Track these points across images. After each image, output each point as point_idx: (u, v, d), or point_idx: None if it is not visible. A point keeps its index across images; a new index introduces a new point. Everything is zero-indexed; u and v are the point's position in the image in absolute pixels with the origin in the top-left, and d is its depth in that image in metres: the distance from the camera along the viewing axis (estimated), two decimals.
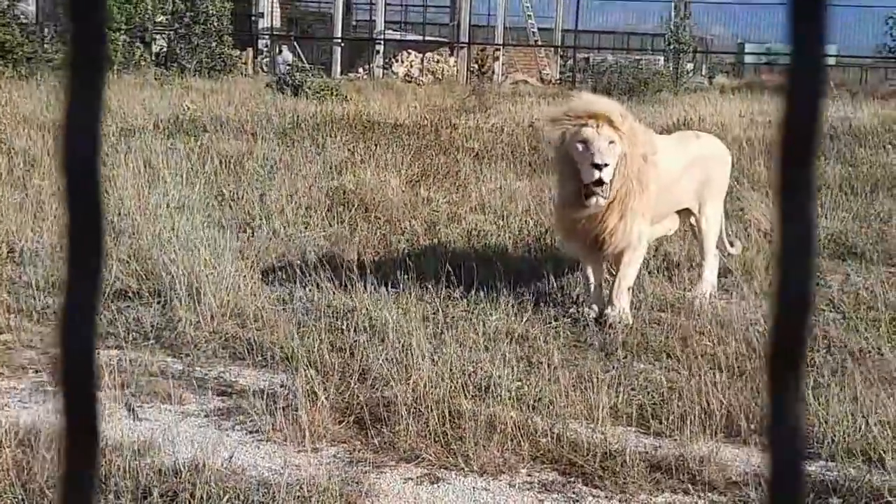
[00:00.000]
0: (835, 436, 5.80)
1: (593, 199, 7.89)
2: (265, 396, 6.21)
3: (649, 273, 9.24)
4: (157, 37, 40.38)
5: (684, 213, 9.34)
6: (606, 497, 5.34)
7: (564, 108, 8.34)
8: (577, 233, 8.24)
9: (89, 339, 0.81)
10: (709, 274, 9.15)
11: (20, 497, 4.81)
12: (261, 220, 11.12)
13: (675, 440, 5.88)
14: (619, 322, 8.02)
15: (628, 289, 8.36)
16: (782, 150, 0.78)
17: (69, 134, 0.80)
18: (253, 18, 48.94)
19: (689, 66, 40.97)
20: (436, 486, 5.43)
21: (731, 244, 9.81)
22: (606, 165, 7.73)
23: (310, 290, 8.49)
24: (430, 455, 5.67)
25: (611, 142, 7.83)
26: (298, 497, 4.99)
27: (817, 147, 0.78)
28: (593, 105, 8.13)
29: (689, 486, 5.43)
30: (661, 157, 8.44)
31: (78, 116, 0.80)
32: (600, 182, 7.78)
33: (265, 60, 46.41)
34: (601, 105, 8.16)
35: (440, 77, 44.26)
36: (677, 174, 8.84)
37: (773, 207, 0.79)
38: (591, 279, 8.52)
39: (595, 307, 8.31)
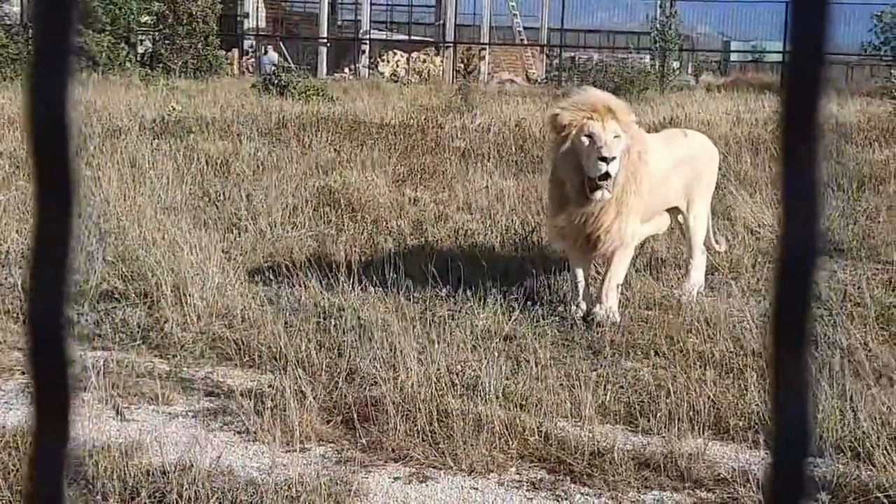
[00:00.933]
0: (822, 432, 5.81)
1: (598, 193, 7.91)
2: (253, 397, 6.20)
3: (636, 271, 9.23)
4: (143, 38, 40.32)
5: (672, 212, 9.31)
6: (595, 495, 5.34)
7: (569, 101, 8.37)
8: (570, 231, 8.21)
9: (61, 293, 0.80)
10: (696, 272, 9.12)
11: (7, 499, 4.80)
12: (247, 220, 11.10)
13: (664, 438, 5.87)
14: (607, 320, 7.99)
15: (617, 287, 8.34)
16: (786, 117, 0.78)
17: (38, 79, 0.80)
18: (238, 19, 48.89)
19: (675, 64, 41.02)
20: (424, 485, 5.43)
21: (718, 242, 9.77)
22: (614, 159, 7.75)
23: (297, 290, 8.47)
24: (419, 454, 5.66)
25: (616, 136, 7.84)
26: (287, 497, 4.98)
27: (822, 110, 0.78)
28: (598, 99, 8.13)
29: (678, 483, 5.43)
30: (652, 155, 8.41)
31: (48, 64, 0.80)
32: (607, 175, 7.78)
33: (251, 61, 46.36)
34: (606, 99, 8.16)
35: (426, 77, 44.25)
36: (666, 173, 8.81)
37: (778, 182, 0.78)
38: (580, 278, 8.46)
39: (583, 305, 8.28)
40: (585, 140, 7.84)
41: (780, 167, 0.79)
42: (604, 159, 7.72)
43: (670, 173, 8.90)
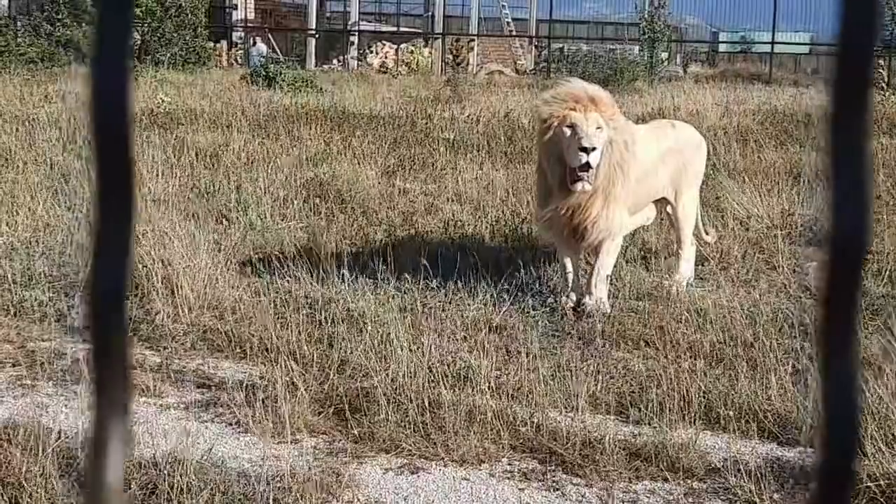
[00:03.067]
0: (814, 422, 5.82)
1: (579, 185, 7.89)
2: (244, 388, 6.20)
3: (626, 262, 9.24)
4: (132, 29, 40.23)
5: (660, 203, 9.29)
6: (586, 485, 5.35)
7: (553, 92, 8.32)
8: (558, 221, 8.20)
9: (121, 281, 0.81)
10: (685, 263, 9.14)
11: None
12: (237, 212, 11.09)
13: (655, 428, 5.89)
14: (598, 311, 8.00)
15: (606, 277, 8.34)
16: (837, 81, 0.78)
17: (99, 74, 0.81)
18: (227, 10, 48.79)
19: (664, 55, 41.00)
20: (416, 476, 5.44)
21: (707, 233, 9.79)
22: (594, 149, 7.73)
23: (287, 282, 8.47)
24: (410, 445, 5.67)
25: (598, 127, 7.83)
26: (279, 488, 4.98)
27: (872, 74, 0.78)
28: (582, 90, 8.07)
29: (669, 473, 5.44)
30: (639, 146, 8.41)
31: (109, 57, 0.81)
32: (587, 166, 7.77)
33: (239, 53, 46.28)
34: (590, 90, 8.10)
35: (415, 68, 44.23)
36: (654, 164, 8.82)
37: (826, 145, 0.78)
38: (569, 269, 8.46)
39: (573, 296, 8.28)
40: (567, 131, 7.84)
41: (831, 159, 0.79)
42: (584, 149, 7.73)
43: (658, 164, 8.89)
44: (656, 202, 9.29)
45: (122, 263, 0.82)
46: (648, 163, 8.68)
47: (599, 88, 8.30)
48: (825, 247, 0.80)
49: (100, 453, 0.82)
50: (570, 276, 8.45)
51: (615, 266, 8.63)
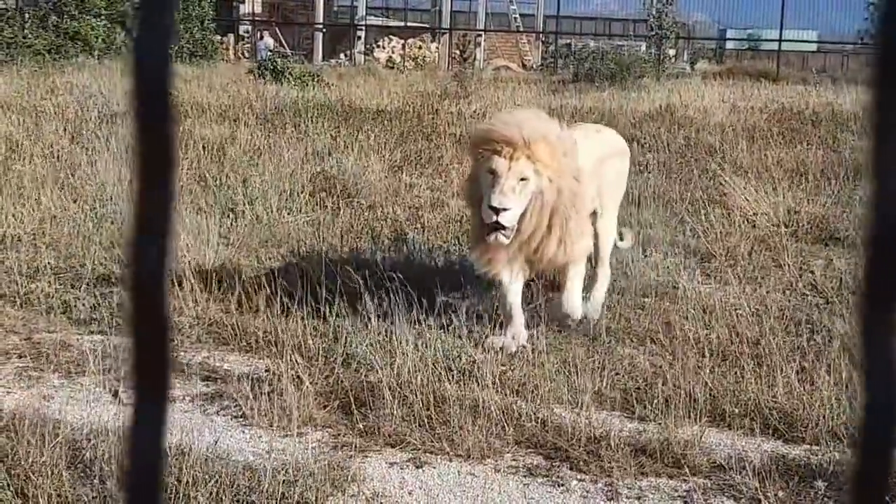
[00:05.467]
0: (819, 420, 5.82)
1: (493, 237, 7.01)
2: (250, 381, 6.20)
3: (632, 260, 9.22)
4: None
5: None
6: (591, 481, 5.35)
7: (485, 128, 7.39)
8: (502, 259, 7.34)
9: (162, 260, 0.81)
10: (602, 285, 8.27)
11: (5, 481, 4.80)
12: (244, 205, 11.09)
13: (660, 424, 5.88)
14: (575, 317, 7.55)
15: (579, 293, 7.68)
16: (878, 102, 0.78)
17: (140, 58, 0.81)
18: (234, 4, 48.78)
19: (671, 51, 40.96)
20: (421, 470, 5.44)
21: (622, 237, 8.87)
22: (506, 210, 6.88)
23: (293, 276, 8.47)
24: (415, 439, 5.68)
25: (523, 178, 6.94)
26: (284, 481, 4.98)
27: None
28: (516, 129, 7.01)
29: (674, 470, 5.44)
30: (581, 160, 7.55)
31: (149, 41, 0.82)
32: (500, 226, 6.93)
33: (246, 46, 46.29)
34: (526, 130, 7.01)
35: (422, 63, 44.22)
36: (589, 175, 7.80)
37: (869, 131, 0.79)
38: (514, 303, 7.45)
39: (522, 336, 7.30)
40: (488, 177, 7.00)
41: (874, 154, 0.79)
42: (493, 209, 6.89)
43: (591, 174, 7.87)
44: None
45: (163, 243, 0.82)
46: (586, 174, 7.67)
47: (542, 125, 7.23)
48: (866, 243, 0.81)
49: (138, 434, 0.82)
50: (517, 312, 7.43)
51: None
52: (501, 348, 7.13)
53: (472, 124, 18.33)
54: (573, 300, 7.60)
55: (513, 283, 7.43)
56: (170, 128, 0.82)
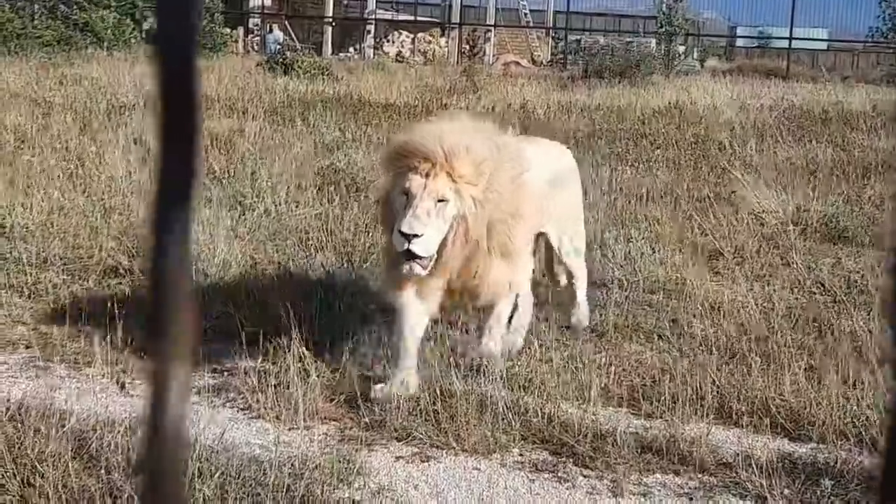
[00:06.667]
0: (826, 418, 5.81)
1: (406, 268, 5.99)
2: (256, 374, 6.20)
3: (641, 254, 9.20)
4: (148, 14, 40.25)
5: (538, 238, 7.48)
6: (597, 477, 5.35)
7: (404, 138, 6.33)
8: (425, 289, 6.41)
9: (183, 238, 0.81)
10: (584, 304, 7.73)
11: (11, 471, 4.80)
12: (252, 198, 11.09)
13: (667, 421, 5.88)
14: (492, 358, 6.52)
15: (500, 334, 6.76)
16: None
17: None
18: None
19: (681, 48, 40.92)
20: (427, 464, 5.44)
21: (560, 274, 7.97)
22: (418, 237, 5.88)
23: (301, 269, 8.47)
24: (422, 434, 5.67)
25: (441, 200, 5.97)
26: (290, 474, 4.98)
27: None
28: (436, 143, 6.03)
29: (680, 467, 5.43)
30: (531, 175, 6.67)
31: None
32: (412, 255, 5.94)
33: (256, 39, 46.28)
34: (448, 143, 6.02)
35: (431, 58, 44.19)
36: (541, 193, 6.98)
37: None
38: (412, 339, 6.37)
39: (412, 381, 6.20)
40: (402, 197, 6.05)
41: None
42: (405, 235, 5.89)
43: (544, 193, 7.07)
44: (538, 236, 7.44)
45: (184, 226, 0.82)
46: (537, 192, 6.84)
47: (468, 137, 6.20)
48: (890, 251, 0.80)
49: (158, 422, 0.82)
50: (411, 354, 6.34)
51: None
52: (387, 398, 6.02)
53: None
54: (491, 342, 6.64)
55: (419, 316, 6.37)
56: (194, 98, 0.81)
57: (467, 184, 6.02)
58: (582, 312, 7.70)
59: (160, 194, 0.81)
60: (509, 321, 6.98)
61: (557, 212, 7.42)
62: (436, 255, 6.02)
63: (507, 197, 6.26)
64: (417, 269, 5.97)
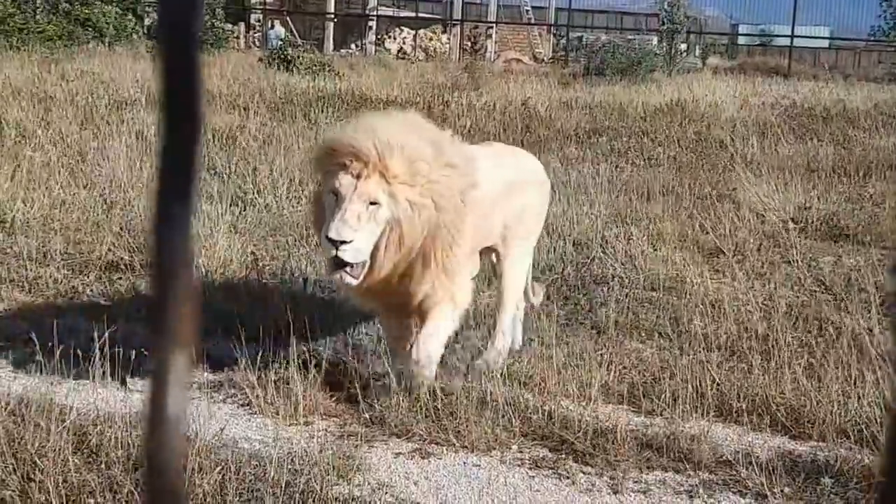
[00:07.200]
0: (826, 416, 5.81)
1: (337, 275, 5.59)
2: (257, 370, 6.20)
3: (641, 252, 9.21)
4: (149, 9, 40.25)
5: (485, 252, 7.02)
6: (597, 474, 5.35)
7: (335, 135, 5.89)
8: (368, 295, 6.12)
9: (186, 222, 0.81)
10: (503, 337, 6.94)
11: (11, 466, 4.81)
12: (253, 193, 11.10)
13: (667, 419, 5.89)
14: (421, 377, 6.02)
15: (439, 343, 6.20)
16: None
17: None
18: None
19: (683, 46, 40.90)
20: (426, 460, 5.44)
21: (535, 292, 7.57)
22: (347, 243, 5.44)
23: (302, 265, 8.48)
24: (422, 430, 5.68)
25: (372, 202, 5.51)
26: (290, 470, 4.99)
27: None
28: (371, 140, 5.56)
29: (680, 464, 5.44)
30: (481, 178, 6.20)
31: None
32: (341, 262, 5.52)
33: (257, 35, 46.27)
34: (382, 141, 5.56)
35: (432, 54, 44.18)
36: (493, 202, 6.58)
37: None
38: (393, 333, 6.42)
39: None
40: (331, 198, 5.60)
41: None
42: (332, 241, 5.46)
43: (495, 204, 6.63)
44: (483, 251, 6.94)
45: (186, 220, 0.82)
46: (487, 201, 6.41)
47: (405, 134, 5.74)
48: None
49: (157, 426, 0.82)
50: (395, 343, 6.39)
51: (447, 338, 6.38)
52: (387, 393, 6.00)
53: (483, 116, 18.30)
54: (425, 348, 6.09)
55: (390, 320, 6.31)
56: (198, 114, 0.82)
57: (402, 185, 5.56)
58: (494, 351, 6.85)
59: (162, 188, 0.81)
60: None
61: (508, 225, 6.86)
62: (368, 262, 5.57)
63: (449, 203, 5.78)
64: (348, 278, 5.55)
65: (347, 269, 5.50)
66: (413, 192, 5.58)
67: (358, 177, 5.47)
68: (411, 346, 6.07)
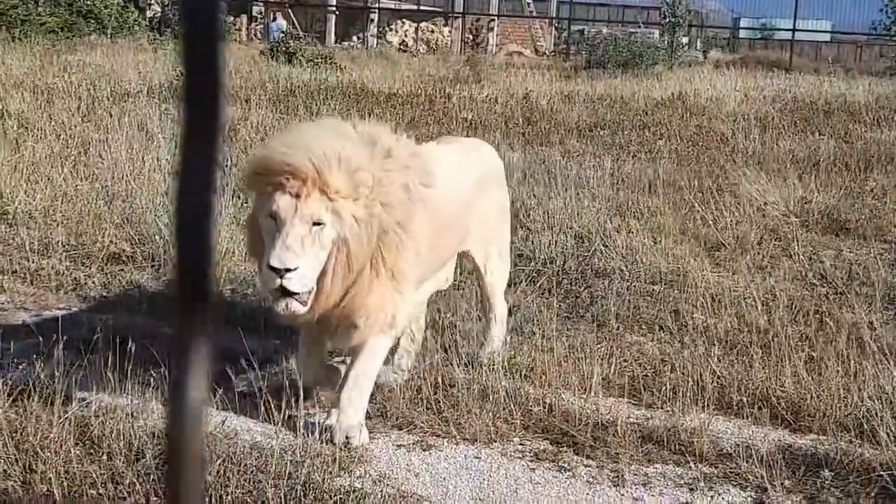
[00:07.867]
0: (826, 409, 5.83)
1: (283, 306, 5.11)
2: (259, 361, 6.21)
3: (642, 245, 9.21)
4: (151, 2, 40.24)
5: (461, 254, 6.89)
6: (597, 467, 5.36)
7: (265, 152, 5.34)
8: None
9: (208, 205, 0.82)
10: (499, 327, 6.93)
11: (13, 457, 4.82)
12: None
13: (667, 412, 5.90)
14: (344, 437, 5.48)
15: (367, 388, 5.69)
16: None
17: None
18: None
19: (684, 40, 40.88)
20: (428, 453, 5.45)
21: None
22: (291, 271, 4.97)
23: None
24: (423, 422, 5.69)
25: (316, 223, 5.05)
26: (292, 461, 4.99)
27: None
28: (307, 152, 5.08)
29: (680, 457, 5.45)
30: (441, 185, 5.87)
31: None
32: (287, 292, 5.05)
33: (259, 28, 46.23)
34: (318, 153, 5.08)
35: (434, 47, 44.16)
36: (462, 206, 6.36)
37: None
38: (308, 361, 5.92)
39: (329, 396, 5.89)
40: (269, 222, 5.11)
41: None
42: (275, 270, 4.98)
43: (465, 206, 6.41)
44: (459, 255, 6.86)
45: (207, 206, 0.83)
46: (455, 205, 6.20)
47: (341, 144, 5.23)
48: None
49: (182, 385, 0.83)
50: (312, 367, 5.93)
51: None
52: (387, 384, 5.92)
53: (484, 109, 18.28)
54: (351, 394, 5.61)
55: (310, 339, 5.88)
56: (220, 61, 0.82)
57: (345, 199, 5.11)
58: (495, 340, 6.86)
59: (185, 174, 0.82)
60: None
61: (479, 224, 6.62)
62: (315, 288, 5.14)
63: (395, 199, 5.37)
64: (295, 305, 5.08)
65: (294, 297, 5.06)
66: (357, 206, 5.16)
67: (297, 196, 5.00)
68: (340, 387, 5.65)
